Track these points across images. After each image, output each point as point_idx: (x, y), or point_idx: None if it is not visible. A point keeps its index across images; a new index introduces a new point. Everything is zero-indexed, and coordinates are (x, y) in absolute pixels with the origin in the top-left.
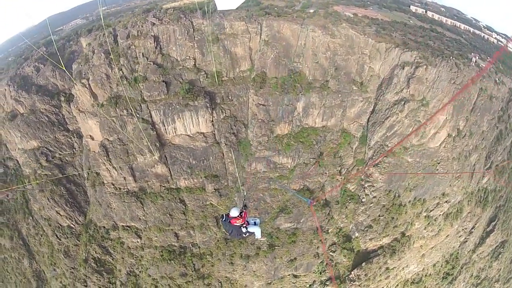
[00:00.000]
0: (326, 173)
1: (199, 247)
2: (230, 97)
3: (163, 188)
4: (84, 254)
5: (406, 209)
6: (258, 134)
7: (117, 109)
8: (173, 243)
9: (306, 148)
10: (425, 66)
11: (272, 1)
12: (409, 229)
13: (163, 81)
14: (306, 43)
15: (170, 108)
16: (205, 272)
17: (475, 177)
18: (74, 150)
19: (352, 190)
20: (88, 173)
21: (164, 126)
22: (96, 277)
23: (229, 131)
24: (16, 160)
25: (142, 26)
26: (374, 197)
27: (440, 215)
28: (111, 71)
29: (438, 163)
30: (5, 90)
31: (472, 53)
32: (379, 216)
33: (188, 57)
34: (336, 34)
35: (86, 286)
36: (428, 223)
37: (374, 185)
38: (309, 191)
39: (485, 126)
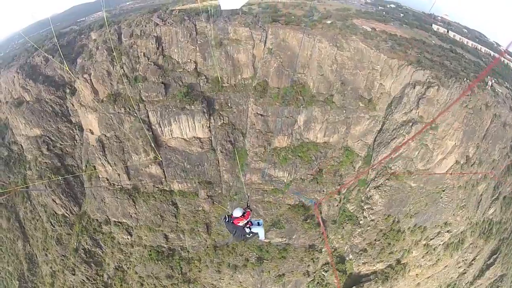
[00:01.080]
0: (323, 190)
1: (188, 251)
2: (229, 104)
3: (156, 189)
4: (75, 243)
5: (404, 236)
6: (255, 145)
7: (115, 106)
8: (162, 244)
9: (304, 163)
10: (437, 87)
11: (291, 9)
12: (405, 256)
13: (162, 83)
14: (312, 54)
15: (167, 110)
16: (191, 276)
17: (481, 207)
18: (75, 141)
19: (351, 211)
20: (86, 166)
21: (161, 127)
22: (84, 267)
23: (226, 139)
24: (21, 145)
25: (145, 26)
26: (372, 220)
27: (440, 244)
28: (113, 69)
29: (443, 191)
30: (14, 77)
31: (489, 76)
32: (375, 240)
33: (189, 60)
34: (344, 47)
35: (74, 274)
36: (427, 252)
37: (373, 208)
38: (304, 207)
39: (497, 155)
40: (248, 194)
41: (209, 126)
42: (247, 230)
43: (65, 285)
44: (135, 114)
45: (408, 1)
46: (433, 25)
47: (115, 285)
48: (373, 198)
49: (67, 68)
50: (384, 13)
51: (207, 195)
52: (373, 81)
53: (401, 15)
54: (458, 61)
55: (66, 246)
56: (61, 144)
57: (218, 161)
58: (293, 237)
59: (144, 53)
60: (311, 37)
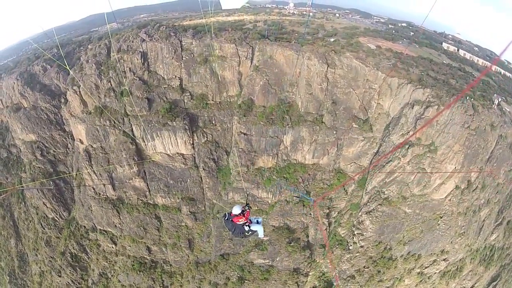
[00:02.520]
0: (310, 214)
1: (170, 265)
2: (213, 122)
3: (140, 201)
4: (63, 247)
5: (396, 264)
6: (238, 164)
7: (101, 119)
8: (145, 256)
9: (289, 185)
10: (436, 106)
11: (297, 27)
12: (396, 285)
13: (147, 98)
14: (301, 72)
15: (150, 126)
16: None
17: (483, 233)
18: (67, 149)
19: (342, 235)
20: (76, 174)
21: (145, 142)
22: (70, 270)
23: (209, 157)
24: (19, 148)
25: (132, 41)
26: (362, 246)
27: (435, 273)
28: (100, 82)
29: (441, 217)
30: (14, 83)
31: (495, 94)
32: (364, 267)
33: (174, 77)
34: (337, 64)
35: (60, 276)
36: (421, 281)
37: (364, 233)
38: (289, 230)
39: (502, 178)
40: (248, 193)
41: (193, 143)
42: (246, 228)
43: (52, 286)
44: (120, 128)
45: (420, 21)
46: (443, 43)
47: None
48: (364, 223)
49: (74, 74)
50: (393, 31)
51: (189, 211)
52: (370, 101)
53: (411, 33)
54: (465, 80)
55: (55, 249)
56: (54, 151)
57: (201, 178)
58: (277, 259)
59: (130, 68)
60: (300, 54)
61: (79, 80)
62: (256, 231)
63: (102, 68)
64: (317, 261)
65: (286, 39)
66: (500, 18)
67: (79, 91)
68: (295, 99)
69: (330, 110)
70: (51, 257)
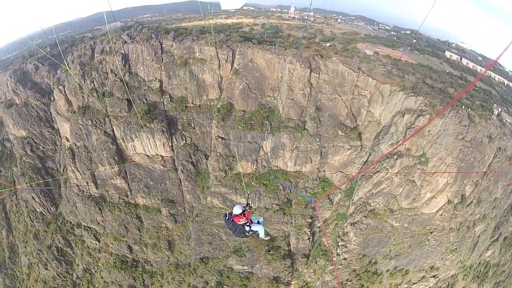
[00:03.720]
0: (292, 222)
1: (151, 265)
2: (192, 125)
3: (122, 200)
4: (50, 240)
5: (381, 279)
6: (216, 168)
7: (83, 118)
8: (127, 254)
9: (268, 192)
10: (428, 116)
11: (294, 31)
12: None
13: (126, 99)
14: (283, 76)
15: (129, 127)
16: None
17: (478, 249)
18: (56, 146)
19: (327, 246)
20: (63, 170)
21: (125, 142)
22: (56, 264)
23: (187, 160)
24: (13, 142)
25: (115, 43)
26: (345, 259)
27: None
28: (84, 82)
29: (431, 233)
30: (7, 80)
31: (495, 104)
32: (347, 280)
33: (154, 79)
34: (322, 69)
35: (46, 269)
36: None
37: (347, 246)
38: (269, 238)
39: (499, 193)
40: (248, 193)
41: (171, 145)
42: (247, 229)
43: (39, 278)
44: (101, 128)
45: (426, 29)
46: (446, 52)
47: (82, 285)
48: (348, 235)
49: (69, 70)
50: (395, 38)
51: (169, 213)
52: (360, 108)
53: (414, 41)
54: (464, 88)
55: (42, 242)
56: (43, 147)
57: (180, 181)
58: (256, 267)
59: (111, 69)
60: (281, 58)
61: (64, 80)
62: (257, 231)
63: (86, 68)
64: (300, 271)
65: (280, 43)
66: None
67: (64, 91)
68: (277, 104)
69: (313, 116)
70: (39, 249)
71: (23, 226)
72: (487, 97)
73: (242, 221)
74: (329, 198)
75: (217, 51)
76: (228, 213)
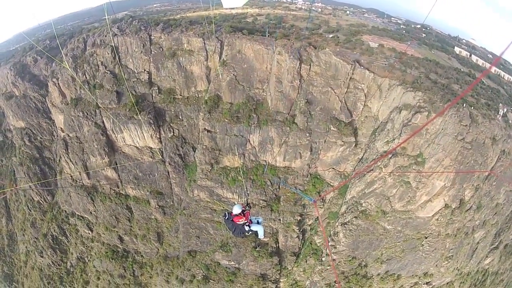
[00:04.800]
0: (280, 219)
1: (142, 256)
2: (180, 117)
3: (113, 191)
4: (45, 229)
5: (371, 282)
6: (202, 162)
7: (76, 110)
8: (118, 245)
9: (256, 188)
10: (426, 113)
11: (299, 22)
12: None
13: (116, 91)
14: (272, 68)
15: (118, 118)
16: (143, 281)
17: (476, 256)
18: (53, 137)
19: (318, 244)
20: (59, 160)
21: (114, 134)
22: (51, 252)
23: (175, 152)
24: (13, 132)
25: (105, 36)
26: (334, 259)
27: None
28: (76, 75)
29: (426, 238)
30: (8, 72)
31: (501, 104)
32: (335, 282)
33: (143, 71)
34: (313, 60)
35: (42, 257)
36: None
37: (337, 246)
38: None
39: (502, 199)
40: (248, 192)
41: (160, 137)
42: (247, 228)
43: (35, 265)
44: (92, 119)
45: (438, 25)
46: (455, 47)
47: (76, 273)
48: (338, 235)
49: (67, 67)
50: (404, 32)
51: (158, 205)
52: (356, 102)
53: (423, 35)
54: (469, 86)
55: (39, 230)
56: (41, 138)
57: (168, 173)
58: (243, 263)
59: (102, 62)
60: (269, 49)
61: (57, 73)
62: (256, 231)
63: (78, 61)
64: (289, 269)
65: (282, 34)
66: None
67: (58, 83)
68: (266, 97)
69: (303, 110)
70: (36, 237)
71: (21, 215)
72: (494, 95)
73: (241, 221)
74: (320, 196)
75: (204, 42)
76: (228, 213)
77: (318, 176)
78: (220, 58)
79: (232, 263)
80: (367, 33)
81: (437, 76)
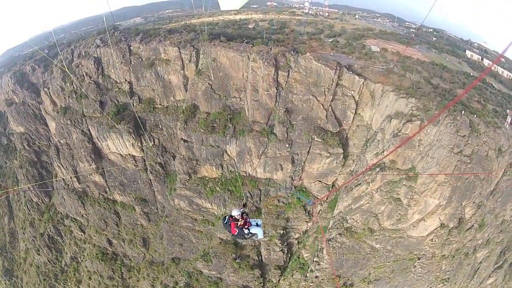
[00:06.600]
0: (266, 232)
1: (130, 259)
2: (160, 126)
3: (102, 196)
4: (43, 229)
5: None
6: (180, 171)
7: (64, 118)
8: (107, 247)
9: (234, 199)
10: (419, 122)
11: (301, 27)
12: None
13: (100, 101)
14: (248, 76)
15: (101, 127)
16: (131, 284)
17: (478, 276)
18: (49, 142)
19: (305, 259)
20: (52, 164)
21: (100, 141)
22: (46, 250)
23: (155, 161)
24: (15, 137)
25: (89, 47)
26: (317, 277)
27: None
28: (64, 85)
29: (419, 259)
30: (8, 80)
31: (509, 110)
32: None
33: (124, 80)
34: (292, 67)
35: (39, 255)
36: None
37: (320, 263)
38: (236, 246)
39: (508, 215)
40: (247, 195)
41: (141, 146)
42: (246, 231)
43: (33, 263)
44: (79, 127)
45: (450, 27)
46: (467, 51)
47: (70, 272)
48: (323, 251)
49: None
50: (413, 35)
51: (143, 212)
52: (345, 110)
53: (434, 39)
54: (480, 91)
55: (37, 229)
56: (39, 143)
57: (151, 181)
58: (224, 273)
59: (86, 72)
60: (244, 56)
61: (48, 83)
62: (255, 233)
63: (66, 72)
64: (274, 282)
65: (278, 40)
66: None
67: (49, 92)
68: (243, 106)
69: (282, 120)
70: (34, 236)
71: (22, 214)
72: (505, 101)
73: (240, 222)
74: (305, 210)
75: (180, 51)
76: (227, 217)
77: (304, 189)
78: (196, 67)
79: (214, 272)
80: (372, 37)
81: (441, 80)
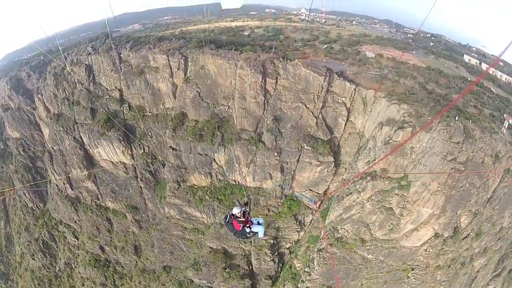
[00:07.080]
0: (251, 242)
1: (122, 266)
2: (150, 134)
3: (94, 203)
4: (37, 234)
5: None
6: (170, 179)
7: (57, 125)
8: (100, 254)
9: (223, 208)
10: (410, 129)
11: (298, 34)
12: None
13: (91, 108)
14: (236, 83)
15: (92, 134)
16: None
17: (476, 285)
18: (44, 148)
19: (298, 269)
20: (46, 170)
21: (91, 148)
22: (41, 255)
23: (145, 168)
24: (11, 142)
25: (81, 55)
26: (307, 287)
27: None
28: (57, 92)
29: (412, 269)
30: (5, 86)
31: (506, 114)
32: None
33: (115, 88)
34: (280, 74)
35: (33, 259)
36: None
37: (311, 274)
38: (226, 255)
39: (507, 222)
40: (248, 194)
41: (132, 154)
42: (247, 230)
43: (28, 267)
44: (71, 134)
45: (448, 32)
46: (464, 56)
47: (63, 278)
48: (313, 261)
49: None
50: (410, 41)
51: (134, 219)
52: (337, 118)
53: (431, 44)
54: (477, 95)
55: (32, 234)
56: (33, 148)
57: (141, 188)
58: (214, 282)
59: (78, 79)
60: (231, 63)
61: (42, 89)
62: (257, 232)
63: (59, 78)
64: None
65: (270, 47)
66: None
67: (42, 99)
68: (232, 114)
69: (270, 128)
70: (29, 241)
71: (18, 219)
72: (502, 105)
73: (241, 220)
74: (295, 219)
75: (168, 59)
76: (229, 215)
77: (294, 198)
78: (185, 74)
79: (204, 281)
80: (369, 43)
81: (436, 85)
